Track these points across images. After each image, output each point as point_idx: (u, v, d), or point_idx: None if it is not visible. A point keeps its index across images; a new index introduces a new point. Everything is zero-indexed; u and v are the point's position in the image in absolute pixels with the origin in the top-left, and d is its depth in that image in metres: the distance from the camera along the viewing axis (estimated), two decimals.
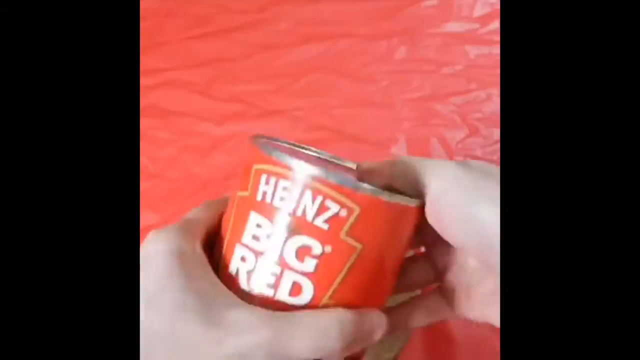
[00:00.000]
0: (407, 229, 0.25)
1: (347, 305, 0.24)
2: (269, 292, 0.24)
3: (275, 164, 0.23)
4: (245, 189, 0.25)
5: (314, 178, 0.22)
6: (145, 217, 0.46)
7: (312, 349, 0.22)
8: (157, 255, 0.24)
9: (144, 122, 0.54)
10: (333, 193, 0.22)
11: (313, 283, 0.24)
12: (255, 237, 0.24)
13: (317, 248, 0.23)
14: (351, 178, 0.23)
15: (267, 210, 0.24)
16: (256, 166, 0.24)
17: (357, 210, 0.23)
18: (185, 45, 0.63)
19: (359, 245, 0.23)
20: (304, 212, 0.23)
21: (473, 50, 0.64)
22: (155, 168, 0.49)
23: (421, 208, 0.24)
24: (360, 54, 0.62)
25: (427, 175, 0.24)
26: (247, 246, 0.24)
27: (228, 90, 0.58)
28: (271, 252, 0.24)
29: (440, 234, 0.24)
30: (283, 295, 0.24)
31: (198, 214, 0.27)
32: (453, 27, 0.66)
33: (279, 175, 0.23)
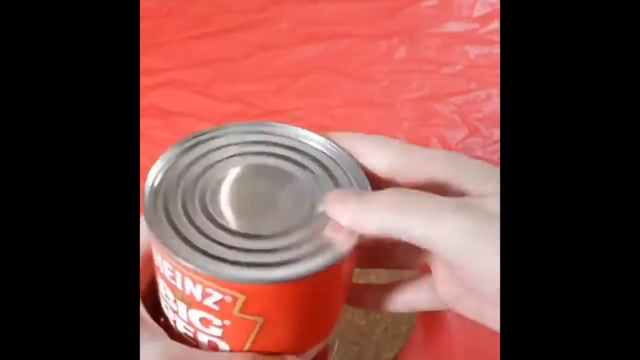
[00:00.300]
0: (309, 294, 0.23)
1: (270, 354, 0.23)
2: (192, 342, 0.24)
3: (155, 246, 0.23)
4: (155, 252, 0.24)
5: (188, 269, 0.21)
6: None
7: None
8: None
9: (144, 122, 0.54)
10: (210, 283, 0.21)
11: (227, 343, 0.23)
12: (165, 298, 0.24)
13: (216, 321, 0.23)
14: (226, 269, 0.21)
15: (166, 283, 0.23)
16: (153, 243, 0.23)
17: (241, 298, 0.21)
18: (185, 45, 0.63)
19: (259, 319, 0.22)
20: (191, 293, 0.22)
21: (473, 50, 0.64)
22: None
23: (317, 275, 0.21)
24: (360, 54, 0.62)
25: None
26: (165, 302, 0.25)
27: (228, 90, 0.58)
28: (181, 314, 0.24)
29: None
30: (204, 348, 0.24)
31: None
32: (453, 27, 0.66)
33: (164, 257, 0.22)
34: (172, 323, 0.25)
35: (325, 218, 0.23)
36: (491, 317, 0.25)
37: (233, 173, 0.25)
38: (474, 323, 0.41)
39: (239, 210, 0.23)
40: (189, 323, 0.24)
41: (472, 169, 0.23)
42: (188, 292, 0.22)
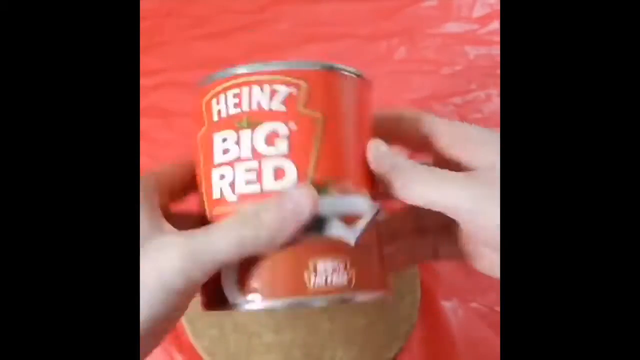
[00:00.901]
0: (359, 95, 0.27)
1: (332, 178, 0.25)
2: (255, 190, 0.25)
3: (217, 83, 0.26)
4: (202, 124, 0.26)
5: (255, 73, 0.25)
6: None
7: (235, 243, 0.23)
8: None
9: (144, 122, 0.53)
10: (277, 77, 0.25)
11: (292, 161, 0.24)
12: (225, 151, 0.25)
13: (282, 129, 0.25)
14: (287, 61, 0.25)
15: (226, 123, 0.25)
16: (204, 99, 0.26)
17: (304, 85, 0.25)
18: (185, 46, 0.63)
19: (319, 115, 0.25)
20: (259, 104, 0.25)
21: (472, 51, 0.64)
22: (155, 167, 0.49)
23: (365, 79, 0.27)
24: (360, 54, 0.62)
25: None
26: (220, 164, 0.25)
27: None
28: (243, 152, 0.25)
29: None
30: (269, 184, 0.24)
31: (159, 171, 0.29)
32: (452, 27, 0.66)
33: (225, 89, 0.25)
34: (228, 199, 0.25)
35: None
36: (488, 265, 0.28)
37: None
38: (474, 323, 0.41)
39: None
40: (254, 155, 0.25)
41: (473, 143, 0.27)
42: (256, 105, 0.25)
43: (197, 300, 0.41)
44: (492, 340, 0.41)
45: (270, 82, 0.24)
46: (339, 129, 0.25)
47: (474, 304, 0.43)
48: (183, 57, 0.62)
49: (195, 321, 0.41)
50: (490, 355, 0.40)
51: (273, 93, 0.24)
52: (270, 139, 0.25)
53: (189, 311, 0.41)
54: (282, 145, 0.24)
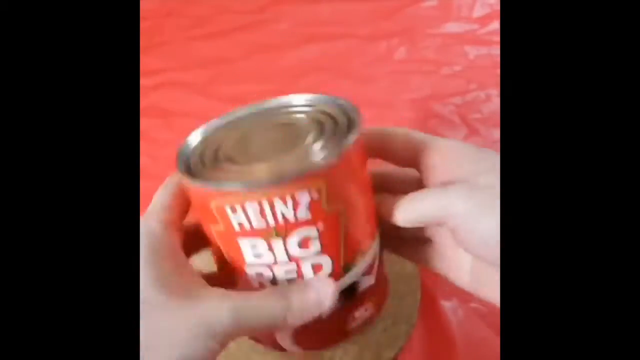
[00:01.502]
0: (362, 156, 0.27)
1: (358, 252, 0.27)
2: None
3: (229, 194, 0.24)
4: (216, 222, 0.25)
5: (273, 187, 0.23)
6: None
7: (264, 324, 0.25)
8: (142, 236, 0.27)
9: (144, 122, 0.54)
10: (295, 185, 0.24)
11: (327, 255, 0.26)
12: (257, 256, 0.26)
13: (312, 232, 0.25)
14: (301, 166, 0.24)
15: (252, 233, 0.25)
16: (214, 204, 0.25)
17: (324, 186, 0.24)
18: (185, 46, 0.63)
19: (341, 207, 0.25)
20: (284, 217, 0.24)
21: (472, 51, 0.64)
22: (155, 168, 0.50)
23: (361, 139, 0.26)
24: (360, 54, 0.62)
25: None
26: (255, 264, 0.26)
27: (228, 91, 0.58)
28: (279, 257, 0.26)
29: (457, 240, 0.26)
30: (309, 277, 0.26)
31: (166, 198, 0.29)
32: (452, 27, 0.66)
33: (241, 203, 0.24)
34: (268, 283, 0.27)
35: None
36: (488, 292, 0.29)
37: (247, 129, 0.29)
38: (474, 323, 0.41)
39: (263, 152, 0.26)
40: (290, 259, 0.26)
41: (465, 160, 0.27)
42: (282, 219, 0.24)
43: None
44: (492, 340, 0.41)
45: (291, 191, 0.24)
46: (358, 209, 0.26)
47: (473, 304, 0.43)
48: (183, 57, 0.62)
49: None
50: (490, 355, 0.40)
51: (296, 204, 0.24)
52: (303, 244, 0.25)
53: None
54: (315, 246, 0.25)
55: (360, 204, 0.27)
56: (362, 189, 0.27)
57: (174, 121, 0.55)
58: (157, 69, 0.60)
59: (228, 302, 0.25)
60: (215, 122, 0.30)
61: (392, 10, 0.67)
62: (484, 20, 0.67)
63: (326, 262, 0.26)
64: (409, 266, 0.44)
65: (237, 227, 0.25)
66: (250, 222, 0.24)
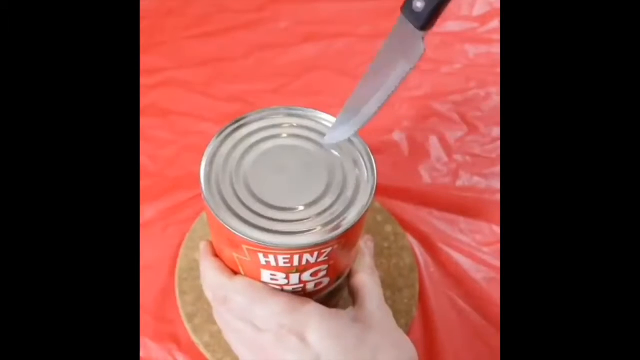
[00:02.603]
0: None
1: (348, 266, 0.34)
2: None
3: (267, 248, 0.27)
4: (243, 255, 0.29)
5: (308, 248, 0.27)
6: (146, 214, 0.47)
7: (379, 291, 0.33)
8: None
9: (144, 122, 0.54)
10: (326, 245, 0.28)
11: (329, 278, 0.32)
12: (273, 279, 0.30)
13: (324, 268, 0.30)
14: (333, 233, 0.28)
15: (276, 269, 0.29)
16: (246, 246, 0.28)
17: (344, 239, 0.29)
18: (185, 45, 0.63)
19: (351, 246, 0.31)
20: (307, 261, 0.28)
21: (472, 49, 0.64)
22: (155, 167, 0.49)
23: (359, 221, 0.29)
24: (360, 54, 0.62)
25: None
26: (268, 283, 0.30)
27: (228, 90, 0.58)
28: (292, 282, 0.30)
29: None
30: (311, 290, 0.32)
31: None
32: (452, 26, 0.66)
33: (275, 254, 0.28)
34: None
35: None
36: None
37: (265, 155, 0.31)
38: (473, 321, 0.41)
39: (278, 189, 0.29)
40: (301, 282, 0.30)
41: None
42: (304, 262, 0.28)
43: (195, 296, 0.42)
44: (491, 333, 0.41)
45: (320, 250, 0.28)
46: (357, 244, 0.33)
47: (472, 298, 0.43)
48: (183, 56, 0.62)
49: (195, 317, 0.41)
50: (489, 349, 0.40)
51: (320, 255, 0.28)
52: (314, 275, 0.30)
53: (188, 307, 0.41)
54: (323, 274, 0.31)
55: (358, 240, 0.32)
56: (362, 230, 0.32)
57: (173, 121, 0.55)
58: (157, 68, 0.60)
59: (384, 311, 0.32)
60: (240, 144, 0.32)
61: (392, 10, 0.67)
62: (484, 18, 0.67)
63: (326, 281, 0.32)
64: (407, 259, 0.44)
65: (263, 263, 0.28)
66: (277, 264, 0.28)
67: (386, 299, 0.41)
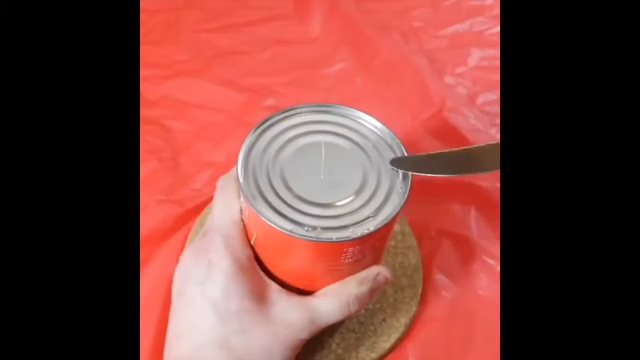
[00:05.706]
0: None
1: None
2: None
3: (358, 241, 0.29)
4: (328, 258, 0.31)
5: (349, 241, 0.29)
6: (164, 207, 0.47)
7: (338, 313, 0.31)
8: (220, 266, 0.30)
9: (159, 113, 0.54)
10: (366, 239, 0.29)
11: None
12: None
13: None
14: (371, 226, 0.29)
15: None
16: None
17: (383, 232, 0.30)
18: (200, 38, 0.64)
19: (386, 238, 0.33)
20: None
21: (475, 52, 0.64)
22: (170, 158, 0.50)
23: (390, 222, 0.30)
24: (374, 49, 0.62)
25: None
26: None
27: (243, 83, 0.59)
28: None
29: None
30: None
31: (232, 212, 0.32)
32: (454, 28, 0.67)
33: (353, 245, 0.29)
34: None
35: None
36: None
37: (300, 151, 0.32)
38: (474, 318, 0.40)
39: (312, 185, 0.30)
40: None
41: None
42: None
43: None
44: (492, 334, 0.41)
45: (361, 244, 0.30)
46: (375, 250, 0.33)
47: (475, 298, 0.43)
48: (199, 49, 0.62)
49: None
50: (491, 350, 0.40)
51: (361, 244, 0.30)
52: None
53: None
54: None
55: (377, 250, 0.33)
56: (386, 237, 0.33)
57: (188, 112, 0.56)
58: (173, 60, 0.61)
59: (305, 313, 0.30)
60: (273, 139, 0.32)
61: (403, 11, 0.68)
62: (487, 21, 0.67)
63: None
64: (412, 259, 0.44)
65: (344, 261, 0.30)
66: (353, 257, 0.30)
67: (388, 297, 0.41)
